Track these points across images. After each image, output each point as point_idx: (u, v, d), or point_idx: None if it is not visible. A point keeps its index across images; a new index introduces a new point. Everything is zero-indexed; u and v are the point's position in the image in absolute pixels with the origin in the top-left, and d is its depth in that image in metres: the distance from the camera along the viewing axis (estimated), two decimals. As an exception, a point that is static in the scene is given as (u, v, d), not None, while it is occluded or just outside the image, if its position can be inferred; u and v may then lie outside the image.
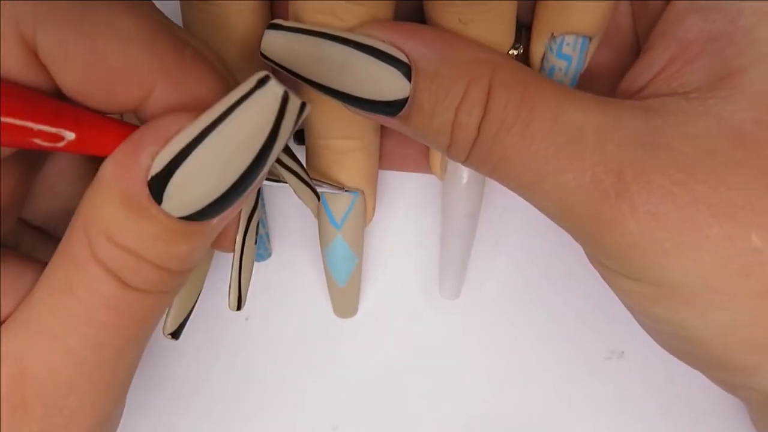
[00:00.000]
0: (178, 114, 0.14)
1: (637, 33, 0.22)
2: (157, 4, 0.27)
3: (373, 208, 0.23)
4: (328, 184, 0.22)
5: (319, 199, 0.21)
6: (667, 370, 0.25)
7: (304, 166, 0.21)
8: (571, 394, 0.26)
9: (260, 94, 0.13)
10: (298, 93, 0.14)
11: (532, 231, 0.26)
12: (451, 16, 0.18)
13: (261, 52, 0.18)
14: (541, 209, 0.19)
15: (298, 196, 0.21)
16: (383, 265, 0.26)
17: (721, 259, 0.16)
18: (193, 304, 0.19)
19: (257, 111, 0.13)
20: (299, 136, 0.26)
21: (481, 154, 0.18)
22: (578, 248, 0.26)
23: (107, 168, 0.14)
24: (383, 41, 0.17)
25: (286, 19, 0.19)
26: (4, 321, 0.15)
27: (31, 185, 0.19)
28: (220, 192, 0.14)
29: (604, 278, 0.19)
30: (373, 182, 0.23)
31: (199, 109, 0.14)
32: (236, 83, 0.16)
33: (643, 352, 0.25)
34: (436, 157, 0.23)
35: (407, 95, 0.17)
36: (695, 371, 0.22)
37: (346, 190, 0.22)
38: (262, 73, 0.13)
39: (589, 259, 0.20)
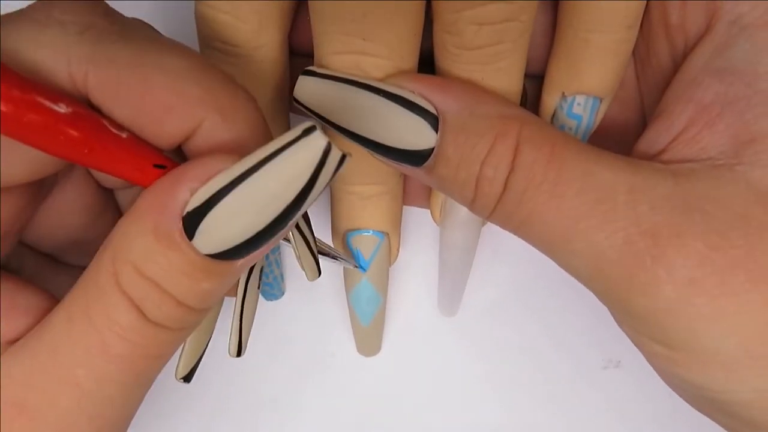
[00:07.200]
0: (222, 154, 0.15)
1: (640, 90, 0.22)
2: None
3: (398, 249, 0.23)
4: (341, 258, 0.21)
5: (319, 274, 0.21)
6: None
7: (315, 235, 0.20)
8: (568, 403, 0.26)
9: (304, 143, 0.13)
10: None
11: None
12: (465, 73, 0.18)
13: (294, 97, 0.18)
14: (569, 269, 0.18)
15: (299, 263, 0.20)
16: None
17: (761, 324, 0.16)
18: (204, 348, 0.19)
19: (299, 160, 0.14)
20: None
21: (507, 211, 0.17)
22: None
23: (145, 199, 0.15)
24: (413, 92, 0.18)
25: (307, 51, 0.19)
26: (6, 343, 0.16)
27: (35, 212, 0.19)
28: (250, 234, 0.14)
29: (633, 341, 0.19)
30: (398, 224, 0.23)
31: (242, 149, 0.15)
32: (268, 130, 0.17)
33: (640, 361, 0.24)
34: (437, 202, 0.23)
35: (433, 146, 0.17)
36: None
37: (355, 266, 0.22)
38: (308, 123, 0.13)
39: (616, 321, 0.19)
